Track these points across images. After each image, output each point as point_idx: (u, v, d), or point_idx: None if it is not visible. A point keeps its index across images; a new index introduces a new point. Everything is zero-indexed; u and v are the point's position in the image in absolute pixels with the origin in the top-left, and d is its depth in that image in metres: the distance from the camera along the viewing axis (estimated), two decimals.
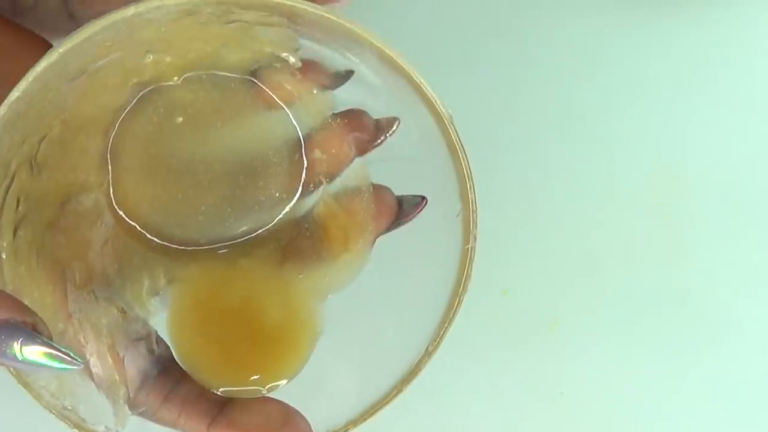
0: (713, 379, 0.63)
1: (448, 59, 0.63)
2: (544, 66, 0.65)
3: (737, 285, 0.64)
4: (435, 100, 0.41)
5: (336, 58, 0.46)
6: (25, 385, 0.41)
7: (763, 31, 0.66)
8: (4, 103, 0.38)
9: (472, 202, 0.43)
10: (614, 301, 0.63)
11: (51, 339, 0.37)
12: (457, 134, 0.42)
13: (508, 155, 0.62)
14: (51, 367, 0.37)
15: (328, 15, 0.40)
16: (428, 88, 0.41)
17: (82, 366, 0.38)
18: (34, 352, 0.37)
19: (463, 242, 0.43)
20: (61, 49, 0.38)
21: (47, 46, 0.47)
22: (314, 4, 0.40)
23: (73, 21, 0.48)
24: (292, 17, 0.41)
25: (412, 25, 0.63)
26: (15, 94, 0.38)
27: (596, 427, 0.62)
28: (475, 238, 0.43)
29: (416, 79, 0.41)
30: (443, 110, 0.42)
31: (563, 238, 0.63)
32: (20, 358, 0.37)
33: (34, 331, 0.37)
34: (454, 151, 0.42)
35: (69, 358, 0.37)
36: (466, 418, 0.60)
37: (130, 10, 0.38)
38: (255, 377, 0.46)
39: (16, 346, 0.37)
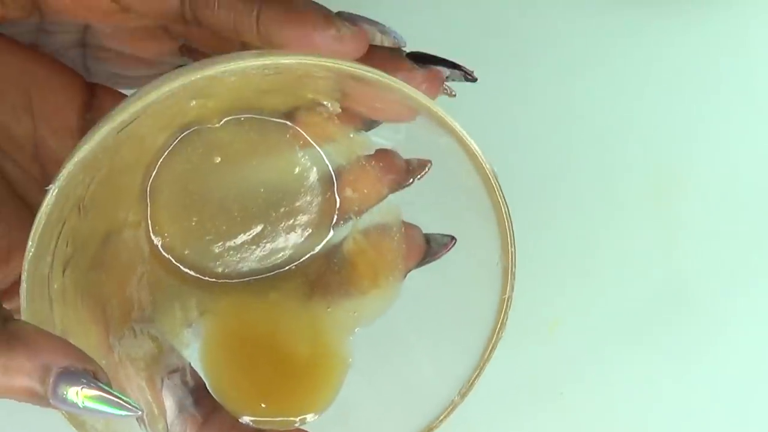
0: (713, 378, 0.63)
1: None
2: (544, 66, 0.65)
3: (738, 285, 0.64)
4: (479, 154, 0.42)
5: None
6: (78, 425, 0.42)
7: (763, 31, 0.66)
8: (68, 163, 0.39)
9: (512, 254, 0.44)
10: (614, 301, 0.63)
11: (110, 386, 0.38)
12: (500, 189, 0.43)
13: (506, 155, 0.62)
14: (110, 414, 0.38)
15: (380, 77, 0.41)
16: (471, 140, 0.42)
17: (141, 413, 0.39)
18: (93, 399, 0.38)
19: (501, 292, 0.44)
20: (125, 114, 0.39)
21: (80, 79, 0.48)
22: (371, 68, 0.41)
23: (88, 75, 0.49)
24: (340, 74, 0.42)
25: (412, 25, 0.63)
26: (79, 155, 0.39)
27: (596, 427, 0.63)
28: (513, 288, 0.44)
29: (459, 132, 0.42)
30: (487, 166, 0.43)
31: (563, 238, 0.63)
32: (81, 405, 0.38)
33: (94, 378, 0.38)
34: (497, 206, 0.43)
35: (128, 405, 0.38)
36: (464, 418, 0.60)
37: (197, 73, 0.39)
38: (286, 409, 0.47)
39: (77, 393, 0.38)
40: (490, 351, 0.45)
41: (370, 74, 0.41)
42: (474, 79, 0.47)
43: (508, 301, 0.45)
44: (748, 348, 0.64)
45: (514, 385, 0.62)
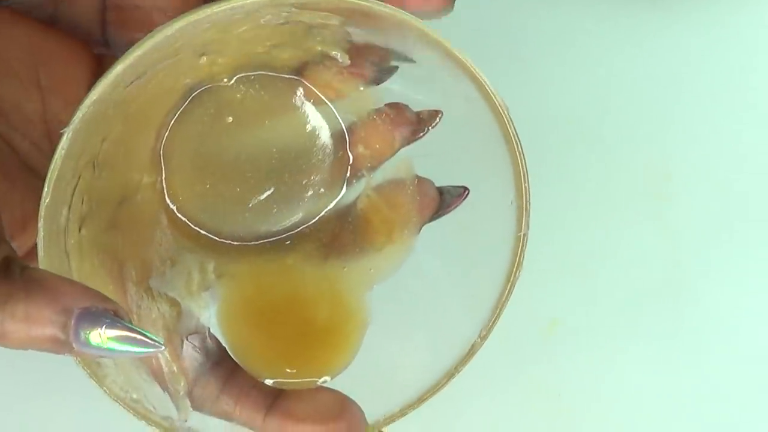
0: (713, 379, 0.63)
1: None
2: (544, 65, 0.65)
3: (738, 285, 0.64)
4: (491, 91, 0.43)
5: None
6: (98, 379, 0.42)
7: (763, 28, 0.66)
8: (83, 105, 0.39)
9: (525, 191, 0.44)
10: (613, 301, 0.63)
11: (132, 323, 0.38)
12: (512, 124, 0.43)
13: None
14: (134, 353, 0.38)
15: (392, 11, 0.41)
16: (484, 77, 0.42)
17: (163, 348, 0.38)
18: (117, 340, 0.38)
19: (516, 229, 0.45)
20: (138, 51, 0.39)
21: (89, 51, 0.48)
22: (381, 3, 0.41)
23: (107, 48, 0.49)
24: (351, 16, 0.42)
25: None
26: (93, 96, 0.39)
27: (594, 428, 0.62)
28: (528, 226, 0.44)
29: (472, 69, 0.42)
30: (499, 101, 0.43)
31: (562, 238, 0.63)
32: (103, 346, 0.38)
33: (115, 316, 0.38)
34: (509, 140, 0.43)
35: (151, 341, 0.38)
36: (462, 418, 0.60)
37: (203, 12, 0.39)
38: (307, 369, 0.47)
39: (100, 334, 0.38)
40: (509, 291, 0.45)
41: (381, 9, 0.41)
42: None
43: (524, 238, 0.45)
44: (747, 349, 0.64)
45: (512, 386, 0.62)
